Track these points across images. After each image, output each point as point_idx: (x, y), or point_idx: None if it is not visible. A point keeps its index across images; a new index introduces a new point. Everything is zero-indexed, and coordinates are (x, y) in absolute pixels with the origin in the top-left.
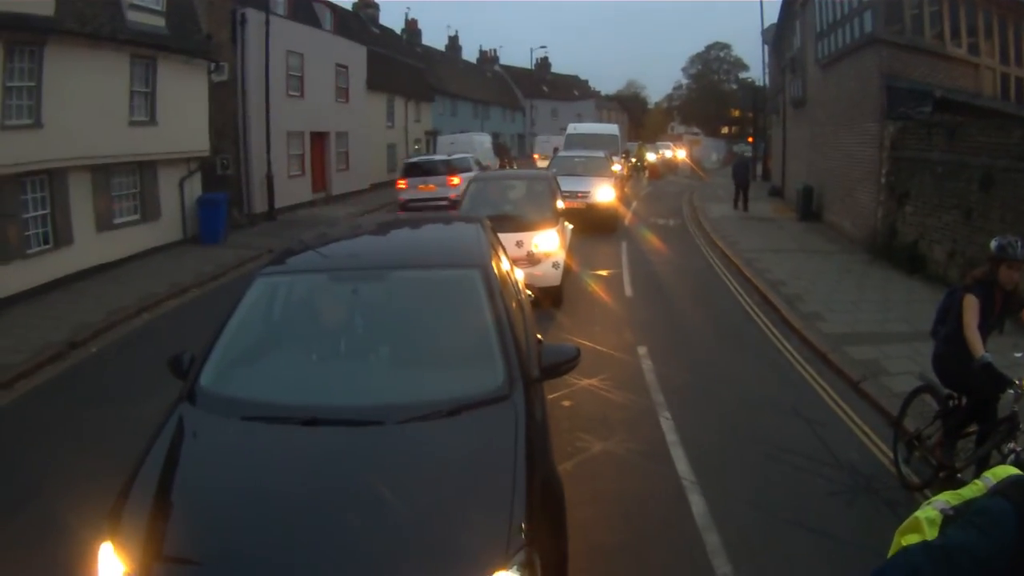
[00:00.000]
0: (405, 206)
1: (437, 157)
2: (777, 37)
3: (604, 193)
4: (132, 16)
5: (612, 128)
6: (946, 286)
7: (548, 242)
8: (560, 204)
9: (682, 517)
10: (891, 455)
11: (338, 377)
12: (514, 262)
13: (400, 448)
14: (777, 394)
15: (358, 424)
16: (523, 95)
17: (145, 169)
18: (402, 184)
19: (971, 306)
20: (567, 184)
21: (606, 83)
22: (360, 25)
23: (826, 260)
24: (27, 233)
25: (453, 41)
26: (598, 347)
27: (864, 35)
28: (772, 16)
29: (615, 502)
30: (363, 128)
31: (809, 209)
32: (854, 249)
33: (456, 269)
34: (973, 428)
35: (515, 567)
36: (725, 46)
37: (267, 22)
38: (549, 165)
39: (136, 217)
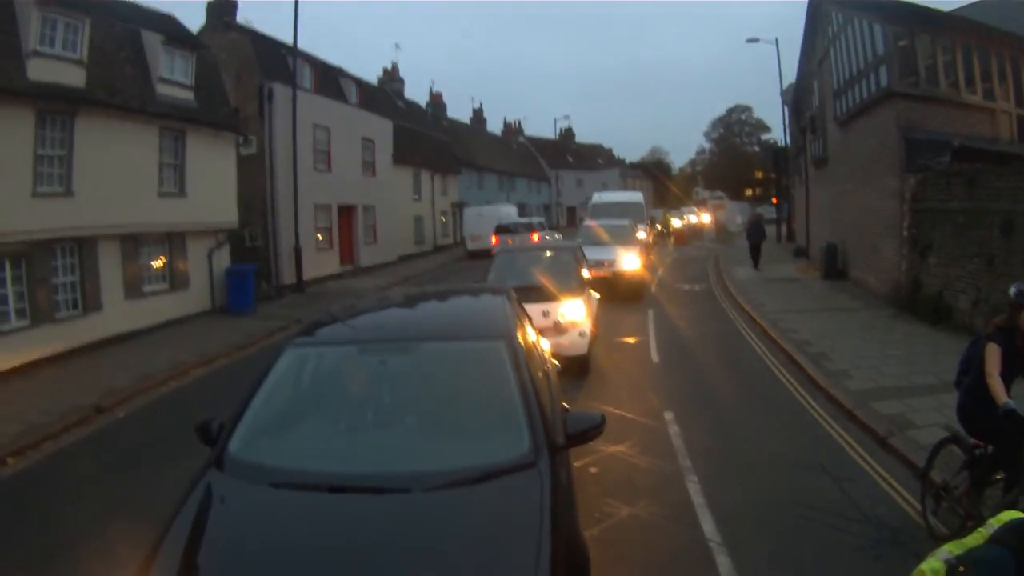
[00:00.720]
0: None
1: (521, 220)
2: (796, 97)
3: (630, 261)
4: (161, 89)
5: (636, 196)
6: (971, 335)
7: (574, 311)
8: (586, 273)
9: None
10: (919, 507)
11: (365, 446)
12: (541, 332)
13: (426, 515)
14: (804, 453)
15: (385, 491)
16: (548, 165)
17: (174, 240)
18: (495, 240)
19: (992, 354)
20: (593, 253)
21: (630, 151)
22: (386, 99)
23: (851, 317)
24: (56, 298)
25: (478, 113)
26: (625, 414)
27: (880, 89)
28: (791, 76)
29: (642, 565)
30: (390, 201)
31: (833, 267)
32: (879, 304)
33: (482, 341)
34: (1000, 476)
35: None
36: (746, 108)
37: (294, 96)
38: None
39: (165, 286)
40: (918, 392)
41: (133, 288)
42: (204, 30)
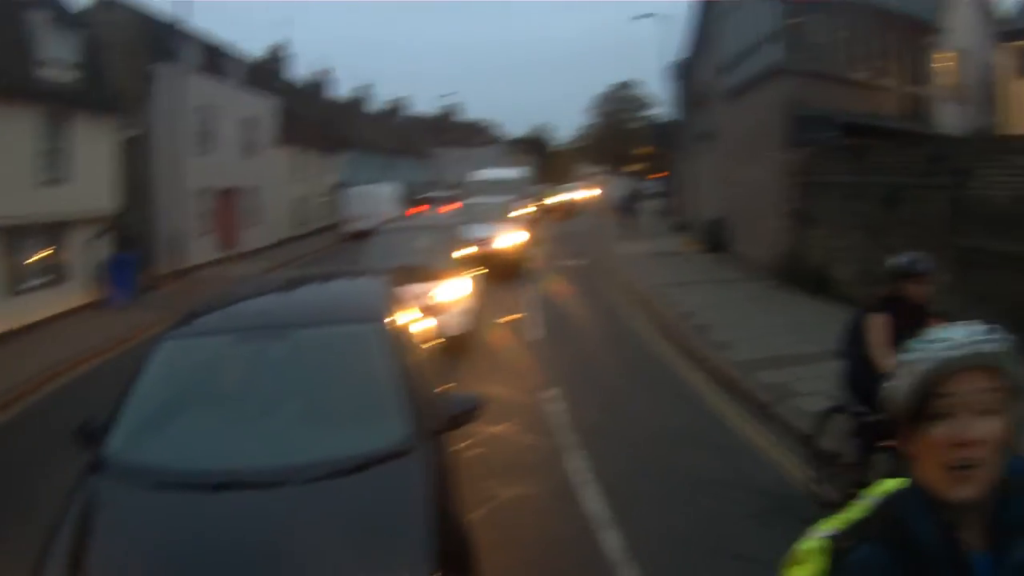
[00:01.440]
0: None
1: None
2: (684, 72)
3: (511, 238)
4: (42, 70)
5: (518, 172)
6: (852, 305)
7: (455, 290)
8: (465, 252)
9: (598, 554)
10: (806, 474)
11: (245, 439)
12: (422, 312)
13: (307, 508)
14: (690, 425)
15: (266, 486)
16: (432, 144)
17: (54, 230)
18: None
19: (876, 325)
20: (472, 231)
21: (519, 128)
22: (272, 76)
23: (734, 289)
24: None
25: (362, 92)
26: (509, 392)
27: (769, 66)
28: (678, 53)
29: (530, 546)
30: (272, 183)
31: (718, 241)
32: (761, 276)
33: (356, 324)
34: (890, 443)
35: None
36: (629, 85)
37: (179, 78)
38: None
39: (45, 280)
40: (802, 360)
41: (14, 284)
42: (89, 9)
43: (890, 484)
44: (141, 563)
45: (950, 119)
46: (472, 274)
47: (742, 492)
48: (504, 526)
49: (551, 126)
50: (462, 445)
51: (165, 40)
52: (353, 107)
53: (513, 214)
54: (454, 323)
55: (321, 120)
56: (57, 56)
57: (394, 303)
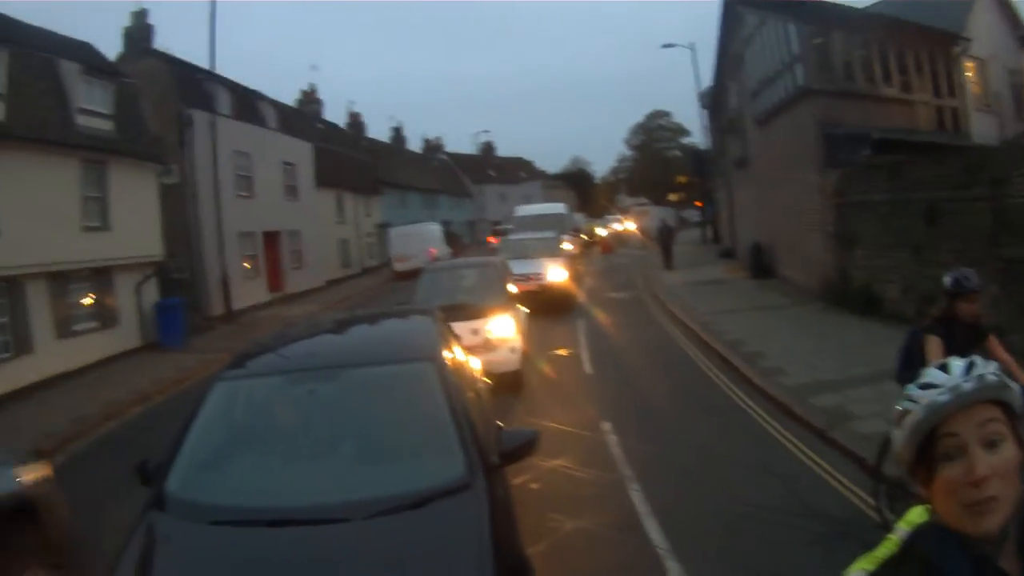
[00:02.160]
0: None
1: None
2: (714, 100)
3: (556, 273)
4: (81, 120)
5: (559, 207)
6: (902, 323)
7: (503, 327)
8: (512, 288)
9: None
10: (866, 498)
11: (301, 477)
12: (470, 350)
13: (365, 543)
14: (745, 453)
15: (323, 523)
16: (471, 181)
17: (101, 275)
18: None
19: (933, 347)
20: (518, 267)
21: (551, 162)
22: (305, 121)
23: (781, 314)
24: None
25: (398, 132)
26: (562, 427)
27: (797, 87)
28: (707, 79)
29: None
30: (314, 225)
31: (760, 266)
32: (808, 300)
33: (409, 363)
34: None
35: None
36: (665, 114)
37: (214, 123)
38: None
39: (95, 324)
40: (855, 383)
41: (63, 327)
42: (122, 57)
43: (915, 513)
44: None
45: (983, 129)
46: (520, 310)
47: (804, 518)
48: (566, 559)
49: (589, 160)
50: (521, 480)
51: (198, 86)
52: (391, 148)
53: (558, 248)
54: (503, 360)
55: (359, 162)
56: (93, 106)
57: (445, 340)
